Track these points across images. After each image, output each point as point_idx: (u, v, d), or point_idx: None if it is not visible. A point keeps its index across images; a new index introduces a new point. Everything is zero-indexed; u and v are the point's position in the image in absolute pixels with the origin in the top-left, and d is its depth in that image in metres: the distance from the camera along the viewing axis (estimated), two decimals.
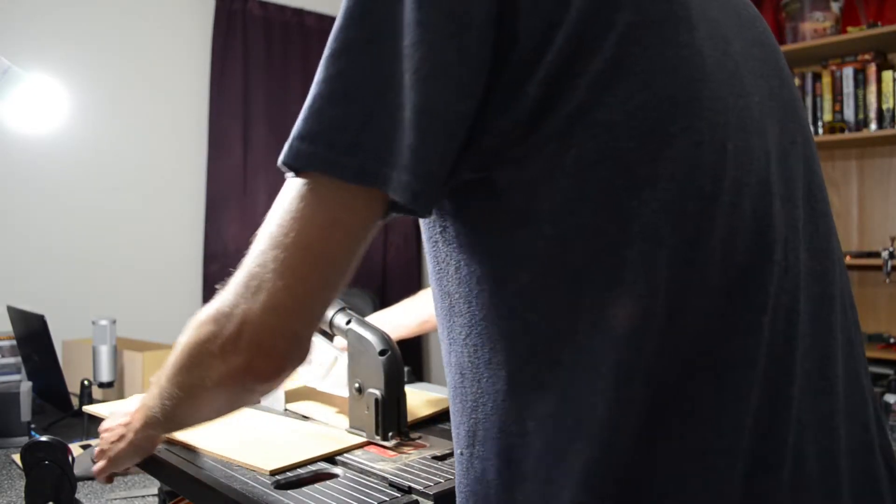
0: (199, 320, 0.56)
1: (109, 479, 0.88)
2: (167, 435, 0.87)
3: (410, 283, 3.61)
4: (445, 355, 0.59)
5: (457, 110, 0.48)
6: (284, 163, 0.50)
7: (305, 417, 1.00)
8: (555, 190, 0.49)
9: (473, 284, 0.54)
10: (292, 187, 0.51)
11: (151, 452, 0.85)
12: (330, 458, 0.82)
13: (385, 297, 3.37)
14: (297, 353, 0.54)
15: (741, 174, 0.51)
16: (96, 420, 1.57)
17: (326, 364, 0.98)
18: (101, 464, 0.84)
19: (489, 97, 0.49)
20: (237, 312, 0.52)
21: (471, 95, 0.48)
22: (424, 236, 0.59)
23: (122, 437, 0.81)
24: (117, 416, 0.84)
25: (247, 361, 0.53)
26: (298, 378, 1.06)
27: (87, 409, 1.12)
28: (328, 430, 0.92)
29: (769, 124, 0.56)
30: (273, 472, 0.76)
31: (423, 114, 0.47)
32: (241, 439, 0.89)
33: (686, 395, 0.49)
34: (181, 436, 0.88)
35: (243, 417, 1.00)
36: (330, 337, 1.02)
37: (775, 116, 0.57)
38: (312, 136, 0.48)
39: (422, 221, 0.58)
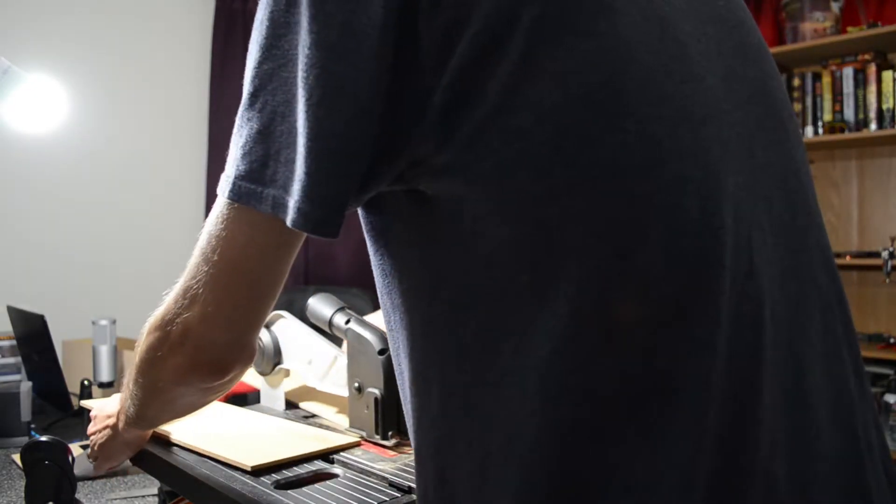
0: (148, 327, 0.61)
1: (108, 469, 0.91)
2: (156, 431, 0.88)
3: None
4: (396, 369, 0.58)
5: (355, 130, 0.46)
6: (227, 197, 0.51)
7: (308, 417, 1.00)
8: (475, 202, 0.46)
9: (411, 298, 0.52)
10: (220, 208, 0.53)
11: (141, 447, 0.87)
12: (327, 458, 0.82)
13: None
14: (238, 357, 0.58)
15: (683, 170, 0.46)
16: None
17: (326, 364, 0.98)
18: (97, 461, 0.88)
19: (397, 108, 0.47)
20: (179, 320, 0.56)
21: (369, 112, 0.46)
22: (370, 249, 0.57)
23: (109, 435, 0.84)
24: (103, 415, 0.86)
25: (190, 362, 0.58)
26: (298, 378, 1.06)
27: (84, 403, 1.15)
28: (324, 433, 0.92)
29: (727, 109, 0.51)
30: (254, 469, 0.76)
31: (317, 139, 0.46)
32: (228, 436, 0.89)
33: (632, 419, 0.45)
34: (171, 433, 0.88)
35: (241, 417, 1.00)
36: (327, 335, 1.02)
37: (736, 100, 0.52)
38: (247, 174, 0.49)
39: (367, 235, 0.57)
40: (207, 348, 0.57)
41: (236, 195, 0.50)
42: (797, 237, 0.54)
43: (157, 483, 1.02)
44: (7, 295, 2.17)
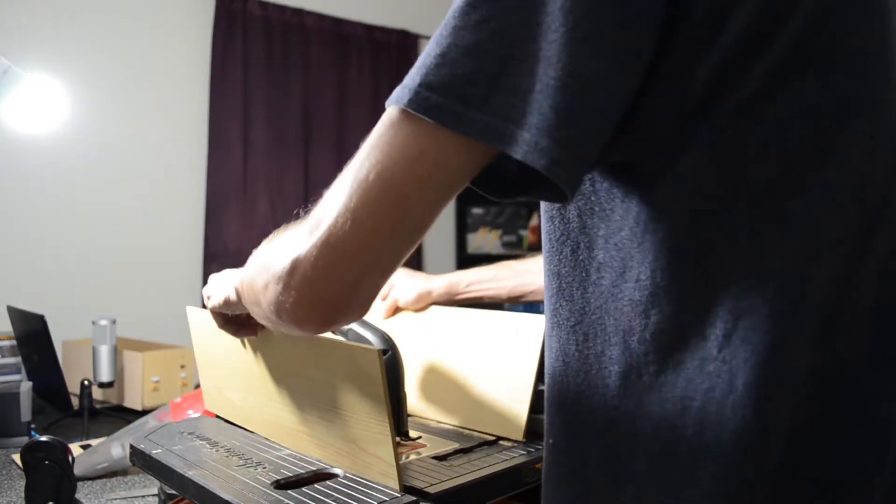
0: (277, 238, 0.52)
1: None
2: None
3: None
4: (547, 337, 0.54)
5: (613, 83, 0.43)
6: (401, 107, 0.45)
7: None
8: (707, 184, 0.45)
9: (592, 271, 0.49)
10: (390, 120, 0.45)
11: (239, 311, 0.77)
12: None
13: None
14: (351, 305, 0.47)
15: None
16: (96, 420, 1.57)
17: None
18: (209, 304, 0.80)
19: (653, 77, 0.44)
20: (295, 245, 0.47)
21: (631, 70, 0.43)
22: (542, 206, 0.53)
23: (223, 292, 0.76)
24: (226, 274, 0.78)
25: (293, 303, 0.47)
26: None
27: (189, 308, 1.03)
28: None
29: None
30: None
31: (575, 78, 0.41)
32: None
33: (824, 431, 0.44)
34: None
35: None
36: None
37: None
38: (444, 88, 0.43)
39: (546, 204, 0.52)
40: (317, 286, 0.46)
41: (426, 108, 0.43)
42: None
43: (157, 483, 1.02)
44: (7, 295, 2.16)
